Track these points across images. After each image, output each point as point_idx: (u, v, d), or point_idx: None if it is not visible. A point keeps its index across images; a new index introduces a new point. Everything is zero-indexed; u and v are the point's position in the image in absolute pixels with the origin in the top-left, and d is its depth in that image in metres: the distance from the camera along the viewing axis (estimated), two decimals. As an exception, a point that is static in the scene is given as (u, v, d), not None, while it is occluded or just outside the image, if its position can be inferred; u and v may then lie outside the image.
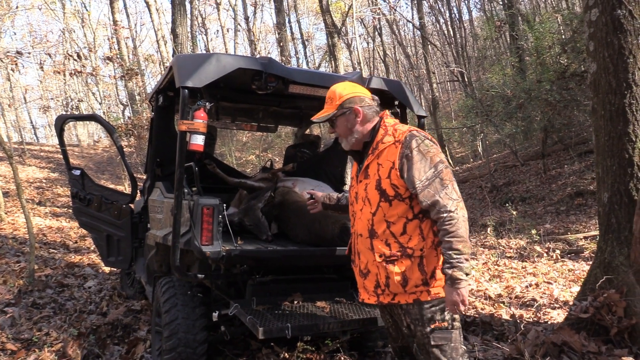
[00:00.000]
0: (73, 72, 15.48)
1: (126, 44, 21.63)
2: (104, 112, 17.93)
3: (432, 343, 2.33)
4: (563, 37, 14.85)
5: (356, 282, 2.60)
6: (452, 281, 2.19)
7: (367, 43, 33.88)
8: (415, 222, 2.32)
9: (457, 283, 2.18)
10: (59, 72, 17.43)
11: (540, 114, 12.47)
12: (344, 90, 2.51)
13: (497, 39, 21.94)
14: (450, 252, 2.19)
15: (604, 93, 3.65)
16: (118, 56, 17.93)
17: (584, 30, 3.87)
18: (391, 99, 3.98)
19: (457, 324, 2.38)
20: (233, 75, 3.27)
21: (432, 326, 2.32)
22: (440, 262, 2.33)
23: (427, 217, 2.33)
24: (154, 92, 4.35)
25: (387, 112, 2.58)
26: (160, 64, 25.47)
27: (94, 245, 8.21)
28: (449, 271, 2.19)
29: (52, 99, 33.11)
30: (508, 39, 20.16)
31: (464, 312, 2.18)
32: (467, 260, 2.19)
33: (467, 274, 2.19)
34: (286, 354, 3.91)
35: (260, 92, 3.52)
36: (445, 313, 2.34)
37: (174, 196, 3.17)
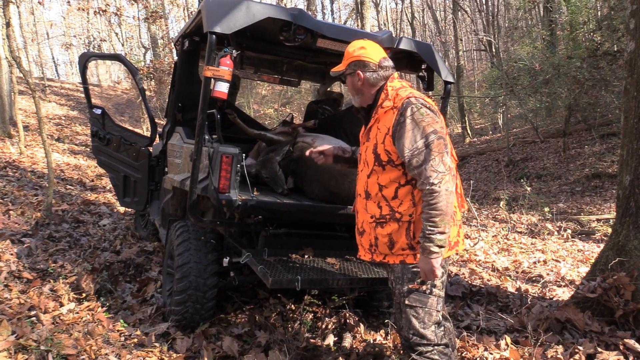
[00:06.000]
0: (97, 10, 15.37)
1: (151, -15, 21.30)
2: (125, 54, 17.79)
3: (407, 303, 2.38)
4: (599, 13, 14.36)
5: None
6: (424, 251, 2.24)
7: (396, 4, 33.18)
8: (408, 188, 2.35)
9: (429, 254, 2.23)
10: (83, 10, 17.30)
11: (566, 91, 12.17)
12: (354, 50, 2.50)
13: (530, 10, 21.26)
14: (426, 224, 2.22)
15: (639, 74, 3.54)
16: (143, -3, 17.68)
17: (626, 6, 3.73)
18: (419, 62, 3.90)
19: (436, 291, 2.40)
20: (261, 25, 3.21)
21: (410, 287, 2.37)
22: None
23: None
24: (180, 36, 4.29)
25: (395, 74, 2.53)
26: (184, 9, 25.14)
27: (110, 185, 8.36)
28: (423, 241, 2.24)
29: (74, 36, 32.96)
30: (541, 11, 19.48)
31: (434, 279, 2.26)
32: (442, 233, 2.21)
33: (440, 247, 2.22)
34: (292, 306, 4.00)
35: (288, 44, 3.46)
36: None
37: (195, 142, 3.18)
